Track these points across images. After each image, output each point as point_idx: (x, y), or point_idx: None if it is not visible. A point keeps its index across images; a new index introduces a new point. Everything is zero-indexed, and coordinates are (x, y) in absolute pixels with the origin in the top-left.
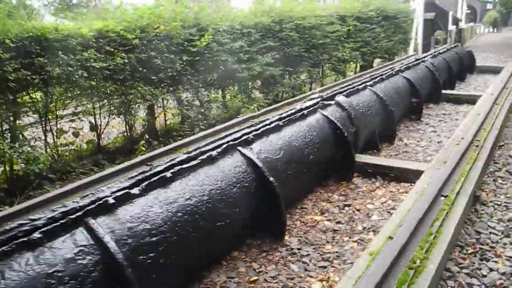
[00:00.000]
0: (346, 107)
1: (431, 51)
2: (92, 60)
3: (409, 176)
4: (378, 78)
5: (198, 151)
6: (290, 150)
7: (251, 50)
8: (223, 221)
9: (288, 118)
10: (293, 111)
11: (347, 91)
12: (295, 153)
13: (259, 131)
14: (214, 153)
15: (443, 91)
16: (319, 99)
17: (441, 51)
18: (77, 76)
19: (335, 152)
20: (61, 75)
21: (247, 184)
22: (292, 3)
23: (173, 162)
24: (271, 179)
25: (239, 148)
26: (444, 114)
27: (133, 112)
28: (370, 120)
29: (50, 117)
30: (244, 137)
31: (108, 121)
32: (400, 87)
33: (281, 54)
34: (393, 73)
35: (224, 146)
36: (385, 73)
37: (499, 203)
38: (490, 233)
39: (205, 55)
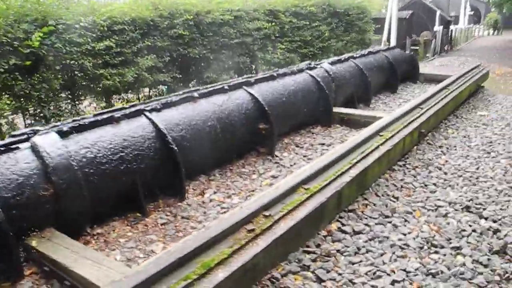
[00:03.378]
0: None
1: (344, 56)
2: None
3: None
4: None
5: None
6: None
7: (125, 52)
8: None
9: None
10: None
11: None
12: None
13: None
14: None
15: (340, 110)
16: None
17: (359, 54)
18: None
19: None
20: None
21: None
22: None
23: None
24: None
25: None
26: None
27: None
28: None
29: None
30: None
31: None
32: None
33: (174, 56)
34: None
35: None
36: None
37: None
38: None
39: (47, 58)
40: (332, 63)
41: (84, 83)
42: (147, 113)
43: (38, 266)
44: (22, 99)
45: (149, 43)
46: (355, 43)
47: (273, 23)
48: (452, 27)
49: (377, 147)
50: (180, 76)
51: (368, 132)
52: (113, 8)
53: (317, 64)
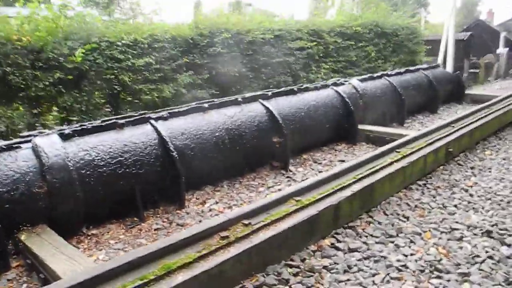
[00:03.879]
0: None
1: (378, 73)
2: None
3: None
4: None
5: None
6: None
7: (164, 68)
8: None
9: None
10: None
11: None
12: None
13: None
14: None
15: (366, 127)
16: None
17: (394, 72)
18: None
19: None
20: None
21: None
22: (234, 15)
23: None
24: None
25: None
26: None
27: None
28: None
29: None
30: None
31: None
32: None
33: (214, 73)
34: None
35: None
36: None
37: None
38: None
39: (89, 73)
40: (363, 80)
41: (124, 98)
42: (153, 121)
43: (23, 259)
44: (65, 111)
45: (188, 60)
46: (405, 64)
47: (317, 43)
48: None
49: (390, 164)
50: (218, 93)
51: (384, 148)
52: (155, 26)
53: (345, 81)
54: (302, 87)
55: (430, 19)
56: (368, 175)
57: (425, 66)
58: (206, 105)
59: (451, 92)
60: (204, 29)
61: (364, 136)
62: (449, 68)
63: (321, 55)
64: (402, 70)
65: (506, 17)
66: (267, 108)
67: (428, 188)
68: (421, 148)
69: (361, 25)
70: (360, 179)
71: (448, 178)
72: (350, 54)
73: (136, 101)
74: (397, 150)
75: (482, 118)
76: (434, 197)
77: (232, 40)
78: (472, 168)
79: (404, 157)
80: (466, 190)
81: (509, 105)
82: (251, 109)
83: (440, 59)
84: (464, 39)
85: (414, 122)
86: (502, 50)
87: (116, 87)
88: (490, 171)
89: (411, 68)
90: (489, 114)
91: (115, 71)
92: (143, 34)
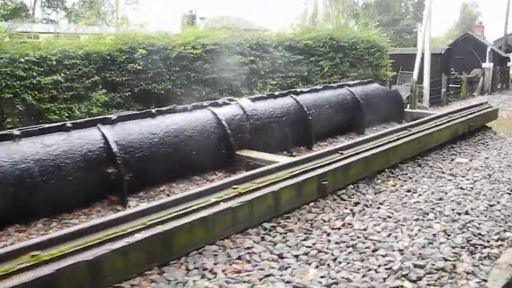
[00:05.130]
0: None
1: (283, 92)
2: None
3: None
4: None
5: None
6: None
7: (76, 86)
8: None
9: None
10: None
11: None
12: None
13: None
14: None
15: (245, 153)
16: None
17: (307, 89)
18: None
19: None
20: None
21: None
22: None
23: None
24: None
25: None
26: None
27: None
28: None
29: None
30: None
31: None
32: None
33: (135, 91)
34: None
35: None
36: None
37: None
38: None
39: None
40: (257, 99)
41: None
42: None
43: None
44: None
45: (115, 78)
46: (365, 79)
47: (261, 58)
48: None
49: (213, 204)
50: None
51: (219, 182)
52: (65, 42)
53: (232, 100)
54: (165, 109)
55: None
56: (168, 220)
57: (354, 82)
58: (17, 132)
59: (392, 109)
60: (124, 44)
61: (245, 163)
62: (426, 83)
63: (267, 70)
64: (319, 86)
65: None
66: (103, 135)
67: (275, 232)
68: (277, 181)
69: (313, 38)
70: (151, 226)
71: (314, 218)
72: (301, 69)
73: (40, 121)
74: (235, 186)
75: (389, 142)
76: (274, 245)
77: (157, 56)
78: (356, 204)
79: (240, 194)
80: (328, 234)
81: (440, 124)
82: (82, 136)
83: (415, 74)
84: (442, 53)
85: (331, 145)
86: (487, 64)
87: (18, 106)
88: (379, 208)
89: (334, 84)
90: (405, 137)
91: (17, 90)
92: (52, 50)
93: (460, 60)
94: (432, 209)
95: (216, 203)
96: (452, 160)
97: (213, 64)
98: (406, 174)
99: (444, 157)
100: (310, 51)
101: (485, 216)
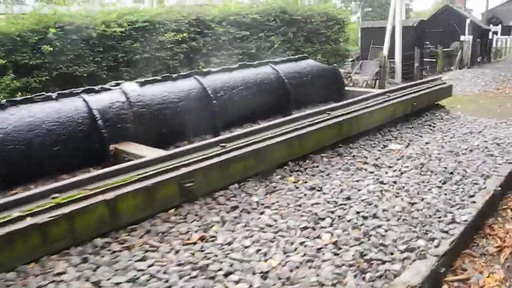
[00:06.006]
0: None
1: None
2: None
3: None
4: None
5: None
6: None
7: None
8: None
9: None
10: None
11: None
12: None
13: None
14: None
15: (122, 147)
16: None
17: (217, 69)
18: None
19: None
20: None
21: None
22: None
23: None
24: None
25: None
26: None
27: None
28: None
29: None
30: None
31: None
32: None
33: (54, 75)
34: None
35: None
36: None
37: None
38: None
39: None
40: (147, 83)
41: None
42: None
43: None
44: None
45: (13, 61)
46: (325, 55)
47: (203, 35)
48: (497, 36)
49: None
50: None
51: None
52: None
53: (117, 84)
54: (20, 99)
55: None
56: None
57: (282, 59)
58: None
59: (329, 89)
60: (37, 24)
61: (122, 158)
62: (397, 58)
63: (210, 48)
64: (236, 65)
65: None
66: None
67: (107, 250)
68: (116, 187)
69: (262, 12)
70: None
71: (168, 230)
72: (248, 46)
73: None
74: (56, 195)
75: (300, 128)
76: (96, 269)
77: (77, 36)
78: (233, 208)
79: (57, 206)
80: (177, 252)
81: (374, 105)
82: None
83: (385, 49)
84: (414, 25)
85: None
86: (466, 37)
87: None
88: (262, 213)
89: (255, 62)
90: (322, 121)
91: None
92: None
93: (440, 33)
94: (331, 212)
95: (20, 218)
96: (384, 147)
97: (145, 43)
98: (317, 167)
99: (375, 143)
100: (259, 26)
101: (398, 220)
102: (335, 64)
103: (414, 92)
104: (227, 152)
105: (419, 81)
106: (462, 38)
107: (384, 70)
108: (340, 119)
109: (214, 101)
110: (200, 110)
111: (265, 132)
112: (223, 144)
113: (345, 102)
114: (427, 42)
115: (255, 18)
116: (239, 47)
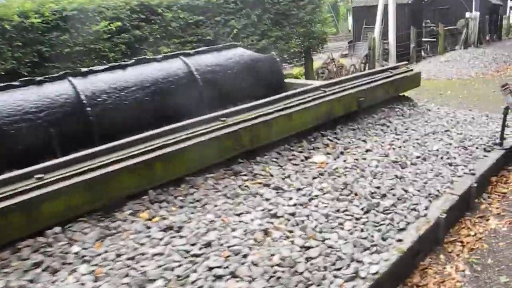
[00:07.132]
0: None
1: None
2: None
3: None
4: None
5: None
6: None
7: None
8: None
9: None
10: None
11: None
12: None
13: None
14: None
15: None
16: None
17: (103, 67)
18: None
19: None
20: None
21: None
22: None
23: None
24: None
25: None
26: None
27: None
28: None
29: None
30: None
31: None
32: None
33: None
34: None
35: None
36: None
37: None
38: None
39: None
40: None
41: None
42: None
43: None
44: None
45: None
46: (299, 39)
47: (148, 22)
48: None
49: None
50: None
51: None
52: None
53: None
54: None
55: None
56: None
57: (200, 49)
58: None
59: (264, 83)
60: None
61: None
62: (391, 38)
63: (158, 36)
64: (131, 61)
65: None
66: None
67: None
68: None
69: None
70: None
71: None
72: (204, 32)
73: None
74: None
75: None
76: None
77: None
78: (35, 266)
79: None
80: None
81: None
82: None
83: (377, 28)
84: (409, 2)
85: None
86: (472, 14)
87: None
88: (73, 272)
89: (159, 56)
90: (208, 132)
91: None
92: None
93: (445, 10)
94: (171, 270)
95: None
96: (306, 159)
97: (77, 34)
98: (192, 194)
99: (294, 155)
100: (215, 9)
101: (269, 279)
102: (272, 52)
103: (363, 84)
104: (44, 185)
105: (376, 69)
106: (467, 15)
107: (373, 53)
108: (238, 127)
109: (88, 108)
110: (71, 119)
111: (112, 154)
112: (38, 177)
113: (253, 103)
114: (428, 21)
115: (210, 1)
116: (193, 34)
